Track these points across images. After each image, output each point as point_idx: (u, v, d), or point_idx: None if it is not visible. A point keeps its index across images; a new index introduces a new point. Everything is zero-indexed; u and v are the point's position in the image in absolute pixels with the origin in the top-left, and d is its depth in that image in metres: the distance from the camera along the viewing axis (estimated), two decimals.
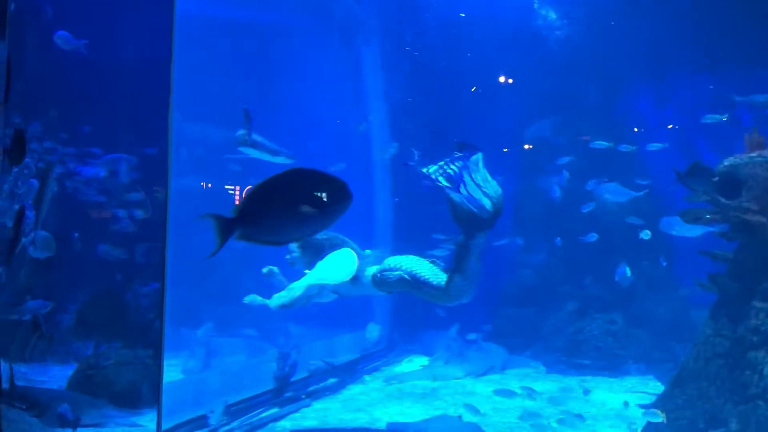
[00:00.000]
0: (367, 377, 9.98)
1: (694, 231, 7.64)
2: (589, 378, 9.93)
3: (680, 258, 10.82)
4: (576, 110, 11.81)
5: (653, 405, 6.68)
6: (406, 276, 6.48)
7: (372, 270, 6.61)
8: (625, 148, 10.21)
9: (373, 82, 12.33)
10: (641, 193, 9.92)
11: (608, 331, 10.49)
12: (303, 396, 8.08)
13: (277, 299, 6.39)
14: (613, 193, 9.86)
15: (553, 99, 11.83)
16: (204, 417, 6.26)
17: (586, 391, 8.85)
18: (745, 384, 6.16)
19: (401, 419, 7.75)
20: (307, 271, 6.42)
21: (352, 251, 6.32)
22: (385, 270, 6.56)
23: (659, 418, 6.13)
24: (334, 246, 6.39)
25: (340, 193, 3.80)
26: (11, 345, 6.17)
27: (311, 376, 8.70)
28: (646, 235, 9.39)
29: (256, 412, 7.25)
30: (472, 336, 10.89)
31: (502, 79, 13.07)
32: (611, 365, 10.09)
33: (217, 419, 6.00)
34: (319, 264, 6.25)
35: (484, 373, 10.18)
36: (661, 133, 12.12)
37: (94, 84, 6.58)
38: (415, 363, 11.09)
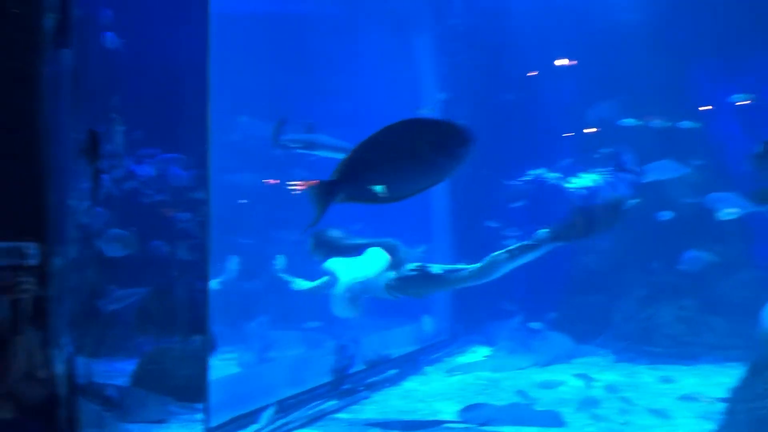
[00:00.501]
0: (428, 368, 9.89)
1: (734, 212, 7.30)
2: (660, 366, 9.55)
3: (756, 239, 10.32)
4: (641, 90, 11.36)
5: (729, 394, 6.38)
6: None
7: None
8: (687, 125, 9.73)
9: (427, 71, 12.18)
10: (689, 170, 9.41)
11: (679, 317, 10.06)
12: (361, 388, 8.06)
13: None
14: (660, 170, 9.34)
15: (617, 79, 11.43)
16: (259, 411, 6.31)
17: (663, 380, 8.49)
18: None
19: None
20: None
21: (383, 250, 6.24)
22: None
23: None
24: (351, 246, 6.32)
25: (462, 137, 3.51)
26: (86, 340, 6.35)
27: (369, 368, 8.66)
28: (727, 215, 8.73)
29: (314, 404, 7.26)
30: (536, 325, 10.67)
31: (565, 61, 12.74)
32: (684, 353, 9.67)
33: (268, 419, 6.02)
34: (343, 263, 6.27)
35: (549, 363, 9.93)
36: (727, 113, 11.62)
37: (141, 84, 6.70)
38: (479, 354, 10.93)
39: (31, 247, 3.82)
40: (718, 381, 8.47)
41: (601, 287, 11.08)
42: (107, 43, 6.48)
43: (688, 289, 10.12)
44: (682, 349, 9.75)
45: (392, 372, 9.19)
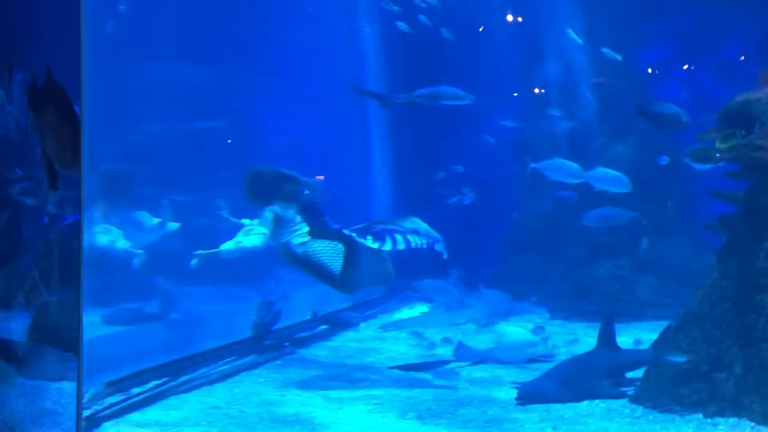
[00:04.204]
0: (362, 324, 9.69)
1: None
2: (595, 324, 9.51)
3: (690, 201, 10.33)
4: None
5: (656, 348, 6.49)
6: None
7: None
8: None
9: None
10: None
11: (615, 276, 10.08)
12: (286, 344, 7.79)
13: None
14: None
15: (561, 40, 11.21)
16: (155, 369, 6.04)
17: None
18: (750, 327, 5.87)
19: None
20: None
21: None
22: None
23: (683, 358, 5.89)
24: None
25: None
26: None
27: (297, 324, 8.42)
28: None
29: (227, 360, 6.96)
30: (474, 283, 10.58)
31: (509, 18, 12.48)
32: (618, 311, 9.65)
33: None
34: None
35: (486, 320, 9.83)
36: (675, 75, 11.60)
37: None
38: (416, 310, 10.86)
39: None
40: (649, 338, 8.47)
41: (538, 247, 11.03)
42: None
43: (625, 250, 10.08)
44: (616, 307, 9.73)
45: (323, 328, 8.96)
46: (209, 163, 9.23)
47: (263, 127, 10.81)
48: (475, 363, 7.34)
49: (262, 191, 6.87)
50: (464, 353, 7.49)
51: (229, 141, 10.50)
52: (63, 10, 4.20)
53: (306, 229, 6.83)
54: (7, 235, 6.32)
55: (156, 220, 7.91)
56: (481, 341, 8.24)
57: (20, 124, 5.74)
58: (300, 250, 6.71)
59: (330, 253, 6.65)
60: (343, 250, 6.66)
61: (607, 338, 6.85)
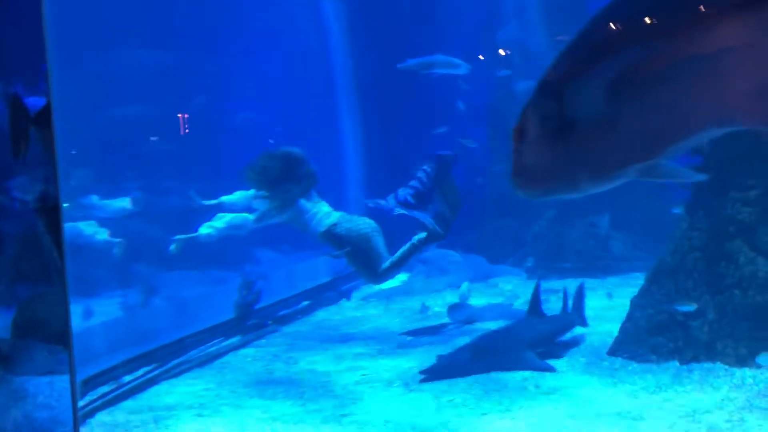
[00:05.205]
0: (344, 298, 9.76)
1: None
2: (570, 281, 9.69)
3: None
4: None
5: (631, 301, 6.55)
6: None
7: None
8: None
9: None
10: None
11: (589, 233, 10.24)
12: (269, 322, 7.84)
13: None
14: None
15: None
16: (146, 355, 6.06)
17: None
18: (721, 275, 6.07)
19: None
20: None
21: None
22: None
23: (692, 307, 6.00)
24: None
25: None
26: None
27: (279, 302, 8.46)
28: None
29: (213, 342, 7.00)
30: (451, 249, 10.67)
31: None
32: (592, 267, 9.85)
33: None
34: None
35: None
36: None
37: None
38: (396, 279, 10.88)
39: None
40: (624, 292, 8.66)
41: (514, 211, 11.14)
42: None
43: (597, 208, 10.23)
44: (591, 263, 9.92)
45: (304, 303, 9.02)
46: (178, 146, 9.17)
47: (228, 109, 10.74)
48: (469, 322, 7.54)
49: (277, 176, 6.90)
50: (457, 314, 7.66)
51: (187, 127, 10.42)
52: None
53: (327, 208, 6.95)
54: None
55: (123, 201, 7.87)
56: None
57: None
58: (339, 229, 6.99)
59: (364, 227, 7.01)
60: (374, 225, 7.03)
61: (534, 306, 6.78)
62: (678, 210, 8.87)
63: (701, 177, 2.69)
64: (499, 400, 5.30)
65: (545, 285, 9.73)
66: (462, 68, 7.44)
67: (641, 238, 10.09)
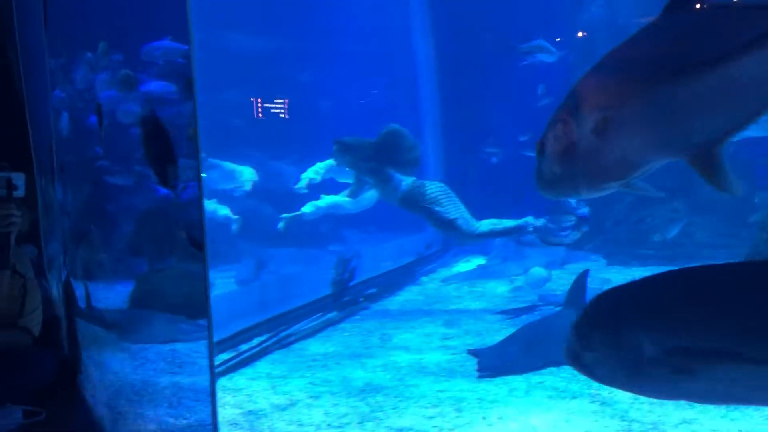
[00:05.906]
0: (424, 278, 10.09)
1: None
2: (652, 268, 9.70)
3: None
4: None
5: None
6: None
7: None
8: None
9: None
10: None
11: (671, 219, 10.15)
12: (361, 299, 8.24)
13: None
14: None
15: None
16: (258, 326, 6.52)
17: None
18: None
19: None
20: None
21: None
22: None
23: None
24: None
25: None
26: (81, 264, 6.36)
27: (368, 280, 8.85)
28: None
29: (314, 317, 7.45)
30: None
31: None
32: (675, 254, 9.80)
33: None
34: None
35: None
36: None
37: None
38: (472, 263, 11.12)
39: (19, 178, 3.80)
40: None
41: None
42: None
43: (679, 192, 10.14)
44: (674, 250, 9.87)
45: (389, 282, 9.38)
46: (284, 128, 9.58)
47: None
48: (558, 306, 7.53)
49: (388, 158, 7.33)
50: (548, 297, 7.90)
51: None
52: None
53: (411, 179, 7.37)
54: (93, 210, 6.70)
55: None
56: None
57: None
58: (416, 193, 7.36)
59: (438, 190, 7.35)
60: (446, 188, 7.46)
61: (576, 297, 6.15)
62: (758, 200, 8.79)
63: (661, 194, 3.00)
64: None
65: (625, 273, 9.76)
66: (555, 55, 7.55)
67: (724, 224, 9.95)
